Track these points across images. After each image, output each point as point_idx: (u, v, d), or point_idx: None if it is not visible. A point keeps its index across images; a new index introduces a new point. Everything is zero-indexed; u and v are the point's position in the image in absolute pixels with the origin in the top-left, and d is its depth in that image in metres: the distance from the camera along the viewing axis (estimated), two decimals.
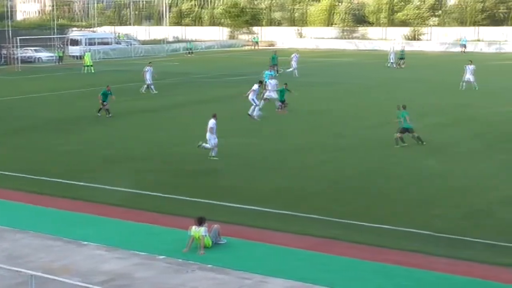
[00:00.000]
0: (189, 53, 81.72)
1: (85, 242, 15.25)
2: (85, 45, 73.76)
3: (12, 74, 58.97)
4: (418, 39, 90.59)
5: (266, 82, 36.01)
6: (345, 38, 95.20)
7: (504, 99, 39.00)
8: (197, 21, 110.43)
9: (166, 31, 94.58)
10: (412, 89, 43.83)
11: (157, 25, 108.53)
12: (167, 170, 22.36)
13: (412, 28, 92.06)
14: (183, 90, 45.13)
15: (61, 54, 71.08)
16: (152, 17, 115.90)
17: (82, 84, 48.62)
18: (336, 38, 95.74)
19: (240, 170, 22.35)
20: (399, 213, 17.40)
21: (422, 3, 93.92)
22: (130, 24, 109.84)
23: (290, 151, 25.02)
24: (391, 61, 61.05)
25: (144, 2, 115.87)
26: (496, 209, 17.79)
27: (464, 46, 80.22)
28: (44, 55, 72.61)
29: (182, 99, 40.25)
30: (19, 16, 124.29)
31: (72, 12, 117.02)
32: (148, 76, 42.88)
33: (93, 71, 58.25)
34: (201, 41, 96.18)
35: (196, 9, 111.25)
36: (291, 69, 52.88)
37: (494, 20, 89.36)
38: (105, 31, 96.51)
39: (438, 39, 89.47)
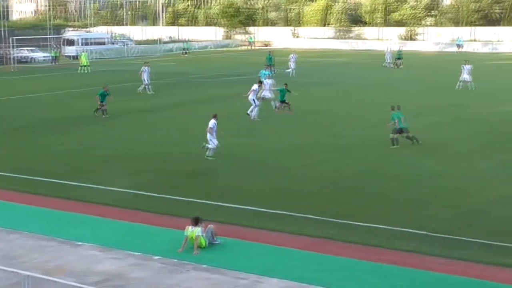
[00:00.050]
0: (185, 53, 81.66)
1: (80, 243, 15.19)
2: (81, 45, 73.69)
3: (8, 74, 58.82)
4: (413, 39, 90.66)
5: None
6: (340, 38, 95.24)
7: (501, 99, 39.05)
8: (193, 21, 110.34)
9: (161, 31, 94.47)
10: (409, 89, 43.88)
11: (152, 25, 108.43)
12: (164, 170, 22.29)
13: (407, 28, 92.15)
14: (180, 90, 45.07)
15: (56, 54, 70.93)
16: (147, 17, 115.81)
17: (79, 84, 48.52)
18: (332, 38, 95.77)
19: (237, 170, 22.30)
20: (395, 213, 17.38)
21: (418, 3, 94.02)
22: (125, 24, 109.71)
23: (288, 151, 25.01)
24: (388, 61, 61.10)
25: (139, 2, 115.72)
26: (491, 209, 17.77)
27: (461, 46, 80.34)
28: (39, 55, 72.54)
29: (179, 99, 40.18)
30: (15, 16, 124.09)
31: (67, 12, 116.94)
32: (145, 76, 42.75)
33: (88, 71, 58.13)
34: (197, 41, 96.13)
35: (192, 9, 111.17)
36: (289, 70, 52.90)
37: (489, 20, 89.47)
38: (101, 31, 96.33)
39: (432, 39, 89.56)
